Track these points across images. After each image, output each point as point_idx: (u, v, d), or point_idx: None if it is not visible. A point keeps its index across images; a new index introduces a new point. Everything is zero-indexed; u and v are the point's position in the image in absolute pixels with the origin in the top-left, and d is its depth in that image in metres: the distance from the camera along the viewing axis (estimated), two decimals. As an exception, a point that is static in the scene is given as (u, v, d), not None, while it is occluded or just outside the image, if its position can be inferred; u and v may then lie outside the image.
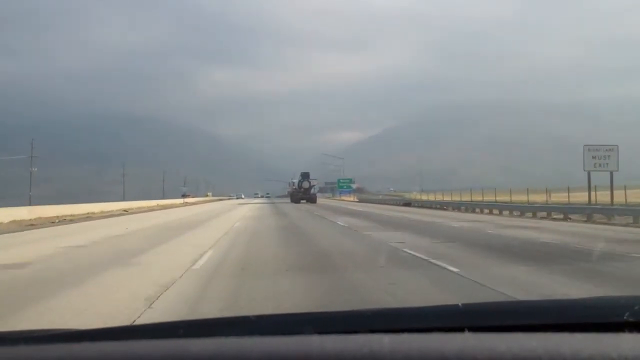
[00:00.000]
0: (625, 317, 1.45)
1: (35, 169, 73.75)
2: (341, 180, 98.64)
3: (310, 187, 70.49)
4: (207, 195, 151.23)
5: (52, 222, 27.23)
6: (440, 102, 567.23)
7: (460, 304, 1.62)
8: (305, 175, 72.17)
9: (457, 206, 41.62)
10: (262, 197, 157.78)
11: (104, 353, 1.37)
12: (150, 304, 6.54)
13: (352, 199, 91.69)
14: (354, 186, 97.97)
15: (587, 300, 1.81)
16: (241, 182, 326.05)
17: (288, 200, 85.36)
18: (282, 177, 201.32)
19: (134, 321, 5.55)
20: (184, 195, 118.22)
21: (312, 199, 67.27)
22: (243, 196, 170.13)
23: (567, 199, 37.66)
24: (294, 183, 78.94)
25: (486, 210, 34.13)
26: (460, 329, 1.38)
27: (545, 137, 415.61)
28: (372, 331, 1.35)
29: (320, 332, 1.38)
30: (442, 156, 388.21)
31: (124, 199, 79.21)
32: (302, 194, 69.10)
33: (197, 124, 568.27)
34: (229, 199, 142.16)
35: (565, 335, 1.31)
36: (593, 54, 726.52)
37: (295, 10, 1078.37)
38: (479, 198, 48.68)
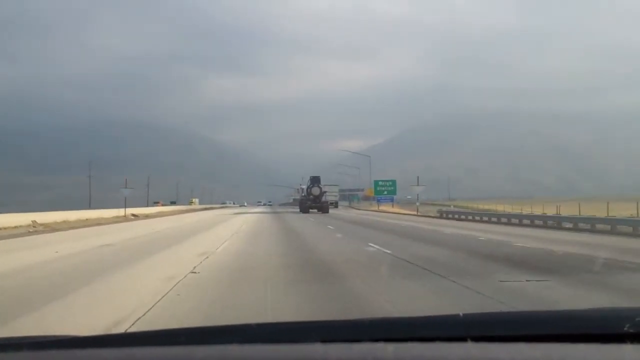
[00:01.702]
0: (626, 329, 1.46)
1: None
2: (380, 183, 71.97)
3: (321, 193, 59.26)
4: (191, 203, 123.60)
5: None
6: (445, 110, 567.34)
7: (461, 314, 1.63)
8: (314, 180, 60.95)
9: None
10: (264, 205, 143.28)
11: None
12: None
13: (403, 210, 62.24)
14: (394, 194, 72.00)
15: (589, 311, 1.82)
16: (244, 190, 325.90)
17: (294, 208, 75.49)
18: (286, 184, 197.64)
19: None
20: (157, 203, 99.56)
21: (323, 208, 56.57)
22: (246, 204, 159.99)
23: None
24: (302, 189, 66.24)
25: None
26: (463, 339, 1.39)
27: (550, 145, 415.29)
28: (376, 340, 1.36)
29: (324, 340, 1.39)
30: (445, 164, 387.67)
31: (90, 206, 71.21)
32: (311, 202, 58.42)
33: (200, 131, 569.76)
34: (221, 207, 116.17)
35: (566, 346, 1.32)
36: (599, 62, 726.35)
37: (299, 17, 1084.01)
38: None
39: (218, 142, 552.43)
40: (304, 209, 57.40)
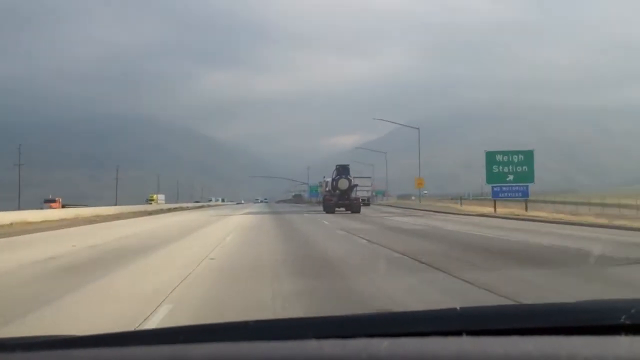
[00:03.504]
0: (621, 320, 1.46)
1: None
2: (497, 157, 36.96)
3: (351, 187, 46.23)
4: (151, 201, 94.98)
5: None
6: (443, 105, 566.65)
7: (458, 308, 1.63)
8: (342, 170, 47.79)
9: None
10: (260, 202, 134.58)
11: (103, 359, 1.38)
12: None
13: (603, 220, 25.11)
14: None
15: (584, 304, 1.82)
16: (242, 186, 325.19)
17: (297, 207, 67.01)
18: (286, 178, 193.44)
19: None
20: (53, 202, 70.63)
21: (353, 207, 44.09)
22: (243, 201, 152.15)
23: None
24: (327, 183, 53.15)
25: None
26: (458, 333, 1.38)
27: (550, 141, 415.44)
28: (371, 335, 1.35)
29: (319, 337, 1.39)
30: (443, 160, 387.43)
31: (19, 207, 58.36)
32: (337, 198, 45.44)
33: (197, 127, 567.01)
34: (200, 207, 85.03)
35: (562, 339, 1.32)
36: (600, 58, 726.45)
37: (297, 11, 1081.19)
38: None
39: (214, 137, 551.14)
40: (329, 208, 45.06)
